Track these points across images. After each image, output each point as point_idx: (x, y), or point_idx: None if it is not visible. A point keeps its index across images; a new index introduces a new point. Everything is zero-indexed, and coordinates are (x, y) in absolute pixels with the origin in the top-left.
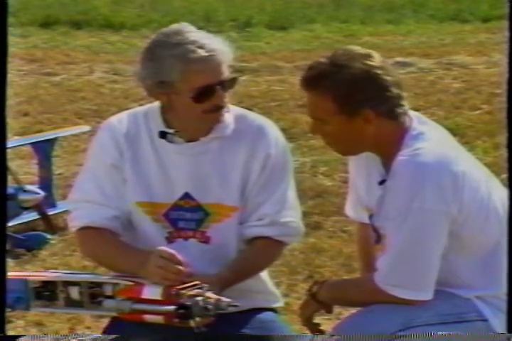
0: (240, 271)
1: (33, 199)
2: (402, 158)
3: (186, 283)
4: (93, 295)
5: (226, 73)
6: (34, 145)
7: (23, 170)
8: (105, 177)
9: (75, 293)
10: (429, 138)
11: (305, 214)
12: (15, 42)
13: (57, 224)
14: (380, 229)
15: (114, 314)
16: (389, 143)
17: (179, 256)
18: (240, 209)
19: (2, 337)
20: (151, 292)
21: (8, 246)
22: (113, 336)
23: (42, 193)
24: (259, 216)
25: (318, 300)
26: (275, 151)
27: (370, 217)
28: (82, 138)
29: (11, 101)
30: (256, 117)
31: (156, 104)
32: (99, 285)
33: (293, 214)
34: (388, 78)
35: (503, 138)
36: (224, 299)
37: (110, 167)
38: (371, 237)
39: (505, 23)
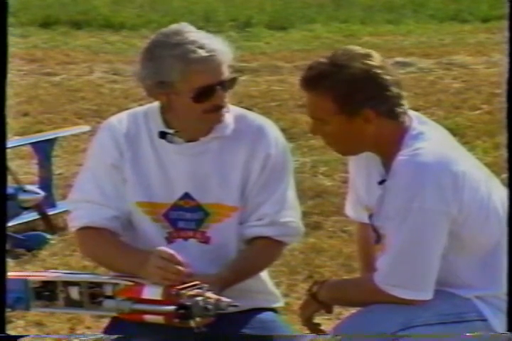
0: (239, 271)
1: (33, 199)
2: (402, 158)
3: (186, 283)
4: (93, 295)
5: (226, 73)
6: (34, 145)
7: (23, 170)
8: (105, 177)
9: (74, 293)
10: (429, 138)
11: (305, 214)
12: (15, 42)
13: (57, 224)
14: (379, 229)
15: (114, 314)
16: (389, 143)
17: (179, 257)
18: (239, 209)
19: (5, 337)
20: (151, 292)
21: (8, 246)
22: (115, 336)
23: (42, 193)
24: (259, 216)
25: (318, 300)
26: (275, 151)
27: (370, 216)
28: (82, 138)
29: (11, 101)
30: (256, 117)
31: (156, 104)
32: (99, 285)
33: (293, 214)
34: (388, 77)
35: (503, 138)
36: (224, 299)
37: (110, 167)
38: (371, 237)
39: (505, 23)
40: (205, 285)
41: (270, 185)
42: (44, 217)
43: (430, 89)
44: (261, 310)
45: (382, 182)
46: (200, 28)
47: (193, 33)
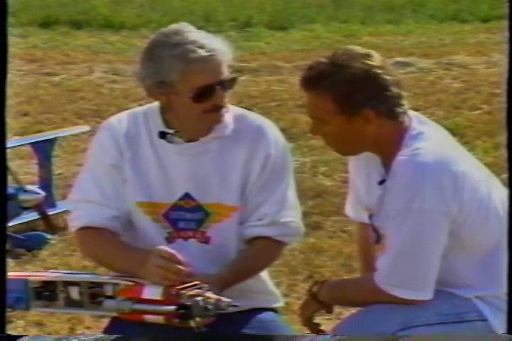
0: (239, 271)
1: (33, 199)
2: (402, 158)
3: (186, 283)
4: (93, 295)
5: (226, 73)
6: (34, 145)
7: (23, 170)
8: (105, 177)
9: (75, 293)
10: (429, 138)
11: (305, 214)
12: (15, 42)
13: (57, 224)
14: (379, 229)
15: (114, 314)
16: (388, 143)
17: (179, 256)
18: (240, 209)
19: (5, 337)
20: (152, 292)
21: (8, 246)
22: (115, 336)
23: (42, 193)
24: (259, 216)
25: (319, 300)
26: (275, 151)
27: (370, 216)
28: (82, 138)
29: (10, 101)
30: (256, 117)
31: (156, 104)
32: (100, 285)
33: (293, 214)
34: (388, 77)
35: (503, 138)
36: (224, 299)
37: (110, 167)
38: (371, 237)
39: (505, 23)
40: (205, 285)
41: (270, 185)
42: (44, 217)
43: (430, 89)
44: (261, 310)
45: (382, 182)
46: (200, 28)
47: (192, 33)
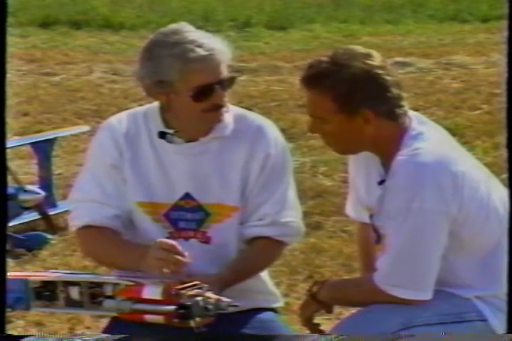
0: (240, 271)
1: (33, 199)
2: (402, 158)
3: (186, 283)
4: (93, 295)
5: (225, 72)
6: (34, 145)
7: (23, 170)
8: (105, 176)
9: (75, 293)
10: (429, 138)
11: (305, 214)
12: (14, 42)
13: (57, 224)
14: (380, 229)
15: (114, 314)
16: (388, 143)
17: (179, 247)
18: (240, 209)
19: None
20: (152, 292)
21: (8, 246)
22: (117, 336)
23: (42, 193)
24: (259, 216)
25: (319, 300)
26: (275, 151)
27: (371, 216)
28: (82, 138)
29: (10, 101)
30: (255, 117)
31: (156, 104)
32: (100, 285)
33: (293, 214)
34: (388, 78)
35: (502, 138)
36: (224, 299)
37: (110, 167)
38: (371, 237)
39: (505, 23)
40: (205, 285)
41: (270, 185)
42: (44, 217)
43: (430, 89)
44: (261, 310)
45: (381, 182)
46: (199, 28)
47: (191, 33)
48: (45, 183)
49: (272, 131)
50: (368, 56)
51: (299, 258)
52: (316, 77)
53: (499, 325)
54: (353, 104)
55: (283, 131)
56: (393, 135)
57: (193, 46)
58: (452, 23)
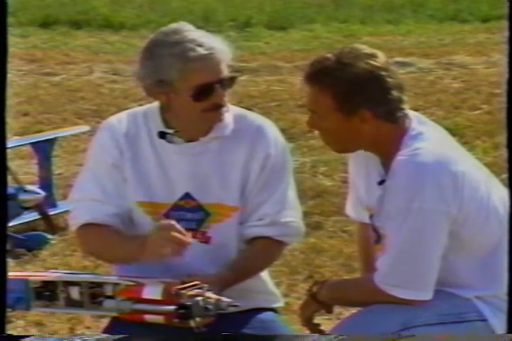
0: (240, 271)
1: (33, 199)
2: (402, 158)
3: (186, 283)
4: (93, 295)
5: (225, 72)
6: (34, 145)
7: (23, 170)
8: (105, 176)
9: (75, 293)
10: (429, 138)
11: (305, 214)
12: (14, 42)
13: (57, 224)
14: (380, 229)
15: (114, 314)
16: (388, 143)
17: (178, 226)
18: (240, 209)
19: (5, 337)
20: (152, 292)
21: (8, 246)
22: (117, 336)
23: (42, 193)
24: (259, 216)
25: (319, 300)
26: (274, 151)
27: (371, 217)
28: (82, 138)
29: (10, 101)
30: (255, 117)
31: (156, 104)
32: (100, 285)
33: (293, 214)
34: (390, 80)
35: (502, 138)
36: (224, 299)
37: (110, 166)
38: (371, 237)
39: (505, 23)
40: (205, 285)
41: (270, 185)
42: (45, 217)
43: (430, 89)
44: (261, 310)
45: (381, 182)
46: (199, 27)
47: (192, 32)
48: (45, 183)
49: (272, 131)
50: (373, 56)
51: (299, 258)
52: (319, 74)
53: (499, 325)
54: (352, 103)
55: (283, 131)
56: (393, 135)
57: (193, 45)
58: (452, 23)
